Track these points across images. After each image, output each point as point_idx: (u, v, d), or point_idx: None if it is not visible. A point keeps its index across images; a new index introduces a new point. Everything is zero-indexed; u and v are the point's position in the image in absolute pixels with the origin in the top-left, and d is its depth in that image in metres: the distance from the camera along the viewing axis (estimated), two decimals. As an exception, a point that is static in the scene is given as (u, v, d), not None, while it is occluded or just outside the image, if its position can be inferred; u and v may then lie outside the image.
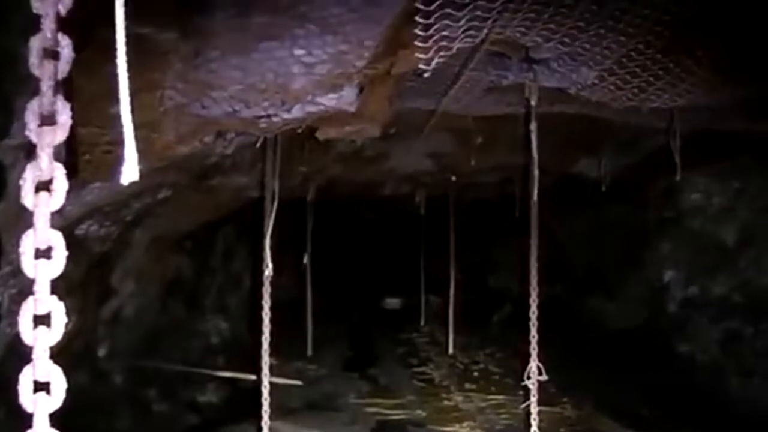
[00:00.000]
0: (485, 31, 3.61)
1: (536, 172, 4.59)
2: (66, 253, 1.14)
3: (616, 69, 4.30)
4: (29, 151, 1.14)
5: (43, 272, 1.13)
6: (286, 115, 4.29)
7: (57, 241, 1.14)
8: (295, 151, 6.30)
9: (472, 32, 3.56)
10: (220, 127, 4.52)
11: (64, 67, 1.13)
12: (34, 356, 1.11)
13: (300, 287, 10.67)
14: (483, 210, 13.10)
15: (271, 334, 5.21)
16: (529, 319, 4.66)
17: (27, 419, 1.12)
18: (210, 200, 7.54)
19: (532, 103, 4.55)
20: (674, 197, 9.00)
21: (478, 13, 3.35)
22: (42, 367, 1.12)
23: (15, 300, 4.16)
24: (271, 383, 5.25)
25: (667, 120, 5.51)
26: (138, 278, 8.03)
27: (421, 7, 3.16)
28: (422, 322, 13.53)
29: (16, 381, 1.12)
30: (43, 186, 1.13)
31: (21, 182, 1.13)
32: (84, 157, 3.62)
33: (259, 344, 5.21)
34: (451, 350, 10.92)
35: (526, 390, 4.65)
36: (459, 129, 6.85)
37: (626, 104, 4.91)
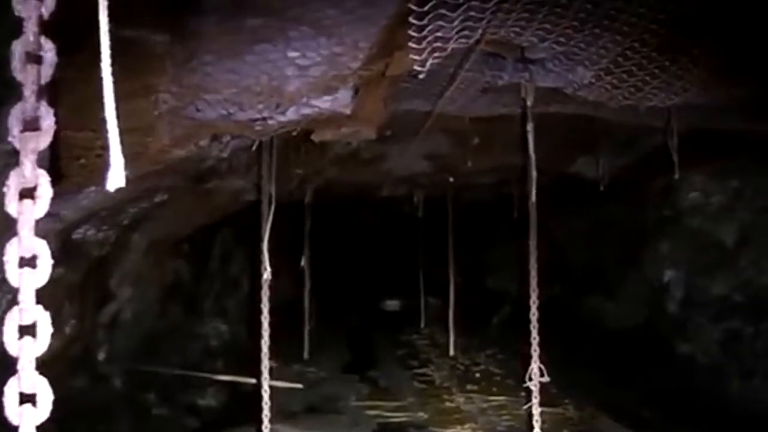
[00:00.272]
0: (480, 31, 3.60)
1: (534, 173, 4.57)
2: (51, 262, 1.12)
3: (612, 68, 4.28)
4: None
5: (27, 281, 1.10)
6: (281, 118, 4.27)
7: (42, 249, 1.11)
8: (292, 154, 6.29)
9: (466, 33, 3.54)
10: (215, 130, 4.50)
11: (47, 71, 1.10)
12: (19, 367, 1.09)
13: (299, 290, 10.67)
14: (481, 211, 13.09)
15: (271, 337, 5.19)
16: (529, 320, 4.65)
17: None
18: (207, 204, 7.53)
19: (529, 103, 4.53)
20: (673, 196, 8.99)
21: (472, 13, 3.33)
22: (28, 379, 1.10)
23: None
24: (271, 387, 5.24)
25: (665, 119, 5.49)
26: (136, 282, 8.01)
27: (415, 8, 3.14)
28: (422, 324, 13.53)
29: (1, 393, 1.10)
30: (27, 193, 1.10)
31: (5, 189, 1.11)
32: (79, 161, 3.60)
33: (259, 348, 5.20)
34: (452, 352, 10.91)
35: (528, 391, 4.63)
36: (456, 130, 6.84)
37: (623, 103, 4.89)
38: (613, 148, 8.03)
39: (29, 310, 1.10)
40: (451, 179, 9.93)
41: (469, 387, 9.16)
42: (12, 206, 1.10)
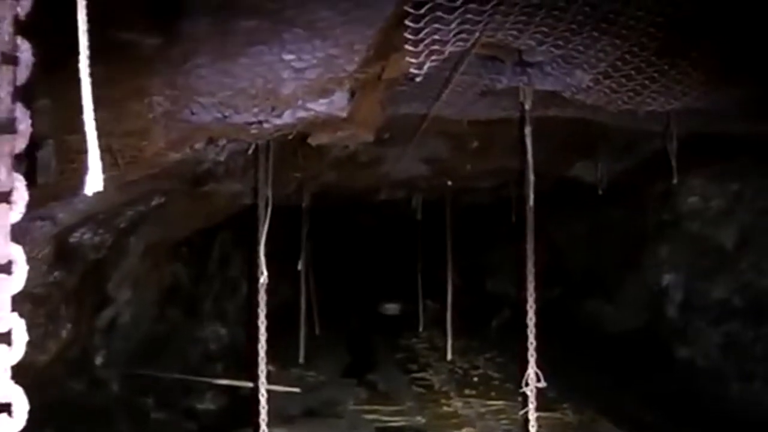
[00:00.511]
0: (476, 34, 3.57)
1: (532, 177, 4.55)
2: (27, 268, 1.09)
3: (611, 72, 4.26)
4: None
5: (3, 288, 1.07)
6: (277, 121, 4.24)
7: (18, 255, 1.09)
8: (289, 157, 6.26)
9: (463, 36, 3.51)
10: (210, 133, 4.48)
11: (23, 72, 1.08)
12: (-6, 376, 1.07)
13: (298, 294, 10.66)
14: (480, 214, 13.07)
15: (269, 341, 5.17)
16: (526, 325, 4.62)
17: (-13, 442, 1.07)
18: (204, 207, 7.51)
19: (527, 106, 4.50)
20: (672, 200, 8.97)
21: (469, 16, 3.30)
22: (3, 388, 1.07)
23: None
24: (268, 391, 5.21)
25: (664, 123, 5.47)
26: (134, 286, 8.00)
27: (411, 10, 3.12)
28: (421, 328, 13.50)
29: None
30: (2, 198, 1.08)
31: (-21, 194, 1.08)
32: (73, 164, 3.57)
33: (256, 352, 5.17)
34: (449, 356, 10.88)
35: (524, 397, 4.60)
36: (454, 133, 6.82)
37: (622, 107, 4.87)
38: (612, 152, 8.01)
39: (4, 318, 1.08)
40: (450, 182, 9.92)
41: (467, 391, 9.13)
42: (-14, 211, 1.08)
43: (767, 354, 7.66)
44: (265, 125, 4.28)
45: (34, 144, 1.09)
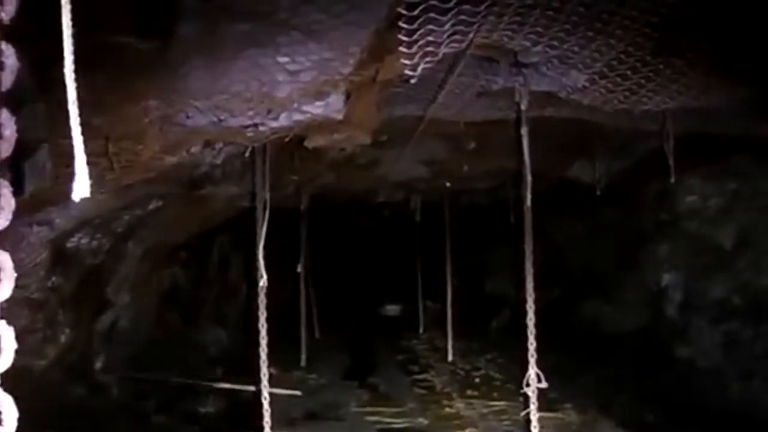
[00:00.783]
0: (471, 35, 3.56)
1: (529, 177, 4.55)
2: (15, 275, 1.08)
3: (607, 72, 4.26)
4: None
5: (-10, 295, 1.07)
6: (273, 124, 4.24)
7: (5, 262, 1.08)
8: (286, 160, 6.26)
9: (457, 37, 3.51)
10: (206, 137, 4.48)
11: (8, 77, 1.07)
12: (-19, 385, 1.06)
13: (298, 297, 10.65)
14: (478, 215, 13.07)
15: (269, 344, 5.16)
16: (526, 325, 4.62)
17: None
18: (202, 210, 7.51)
19: (523, 107, 4.50)
20: (670, 200, 8.95)
21: (463, 17, 3.30)
22: (-9, 396, 1.06)
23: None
24: (270, 394, 5.21)
25: (660, 122, 5.47)
26: (133, 290, 8.00)
27: (405, 12, 3.11)
28: (421, 329, 13.49)
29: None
30: (-12, 204, 1.07)
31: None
32: (67, 169, 3.56)
33: (257, 355, 5.16)
34: (450, 357, 10.87)
35: (526, 398, 4.59)
36: (451, 135, 6.82)
37: (618, 107, 4.87)
38: (609, 152, 8.01)
39: (-9, 326, 1.07)
40: (448, 184, 9.92)
41: (469, 392, 9.12)
42: (-29, 218, 1.07)
43: (767, 353, 7.65)
44: (261, 128, 4.28)
45: (21, 150, 1.08)
